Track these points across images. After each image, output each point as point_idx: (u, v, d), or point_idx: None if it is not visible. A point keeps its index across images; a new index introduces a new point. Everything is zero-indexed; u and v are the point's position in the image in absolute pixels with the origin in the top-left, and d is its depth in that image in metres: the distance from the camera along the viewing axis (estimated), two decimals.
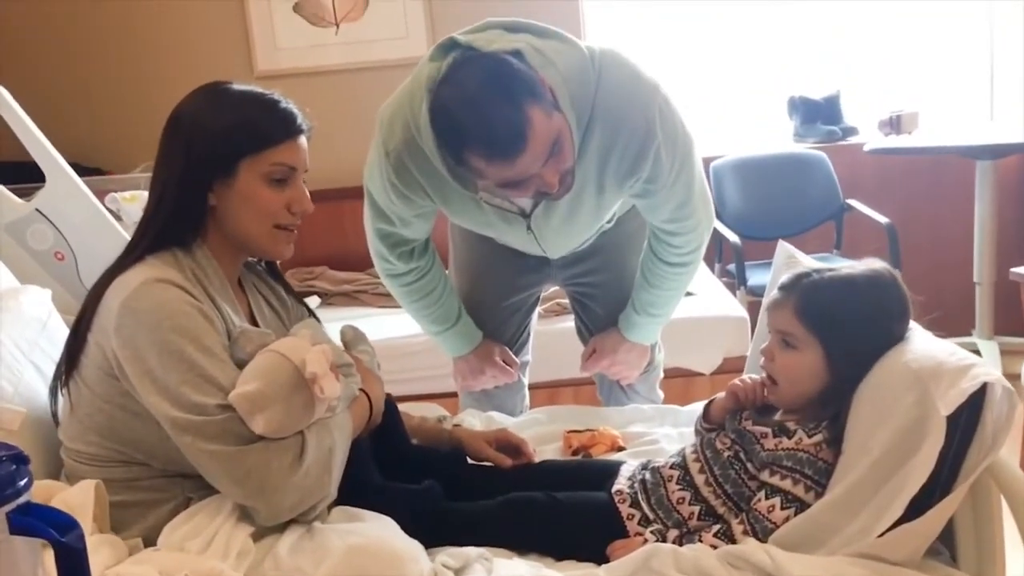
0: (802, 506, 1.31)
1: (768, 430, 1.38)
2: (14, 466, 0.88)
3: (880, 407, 1.29)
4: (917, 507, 1.21)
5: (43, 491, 1.30)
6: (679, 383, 2.85)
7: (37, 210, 2.61)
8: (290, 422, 1.34)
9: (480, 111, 1.42)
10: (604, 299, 2.03)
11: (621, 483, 1.47)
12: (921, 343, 1.36)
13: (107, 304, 1.39)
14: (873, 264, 1.44)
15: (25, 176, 2.77)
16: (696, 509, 1.39)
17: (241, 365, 1.38)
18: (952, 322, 3.30)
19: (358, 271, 3.74)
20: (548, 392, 2.84)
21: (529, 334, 2.14)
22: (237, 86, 1.51)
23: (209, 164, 1.44)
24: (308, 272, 3.77)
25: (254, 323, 1.54)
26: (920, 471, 1.20)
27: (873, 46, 3.96)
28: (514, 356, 2.07)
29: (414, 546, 1.31)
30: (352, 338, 1.64)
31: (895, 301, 1.40)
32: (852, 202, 3.68)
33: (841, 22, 3.94)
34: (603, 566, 1.31)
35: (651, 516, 1.40)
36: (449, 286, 1.97)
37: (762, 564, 1.22)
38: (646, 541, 1.35)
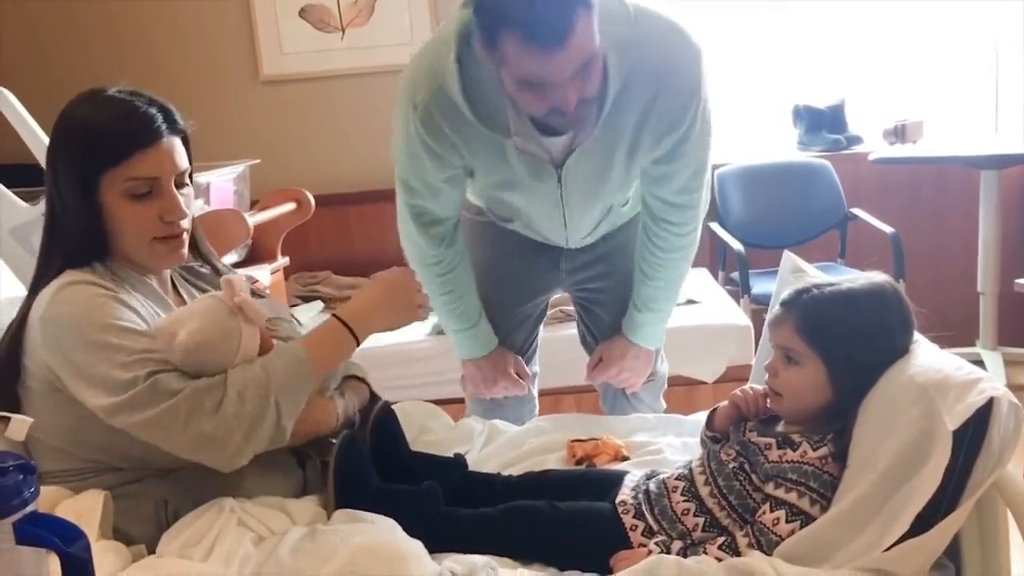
0: (807, 519, 1.31)
1: (772, 441, 1.37)
2: (21, 476, 0.89)
3: (886, 421, 1.29)
4: (923, 522, 1.21)
5: (49, 497, 1.30)
6: (682, 391, 2.85)
7: (42, 215, 2.61)
8: (213, 334, 1.33)
9: None
10: (610, 305, 2.03)
11: (625, 493, 1.47)
12: (926, 356, 1.36)
13: (31, 322, 1.39)
14: (875, 277, 1.44)
15: (29, 179, 2.77)
16: (700, 520, 1.39)
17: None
18: (956, 333, 3.30)
19: (362, 276, 3.74)
20: (551, 400, 2.84)
21: (537, 345, 2.14)
22: (106, 92, 1.44)
23: (72, 185, 1.40)
24: (312, 277, 3.77)
25: None
26: (926, 486, 1.20)
27: (878, 55, 3.96)
28: (526, 368, 2.07)
29: (417, 547, 1.30)
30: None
31: (897, 315, 1.40)
32: (856, 211, 3.68)
33: (846, 31, 3.94)
34: None
35: (655, 527, 1.40)
36: (473, 287, 1.95)
37: None
38: (650, 552, 1.35)
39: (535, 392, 2.17)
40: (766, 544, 1.30)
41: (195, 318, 1.34)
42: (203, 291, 1.60)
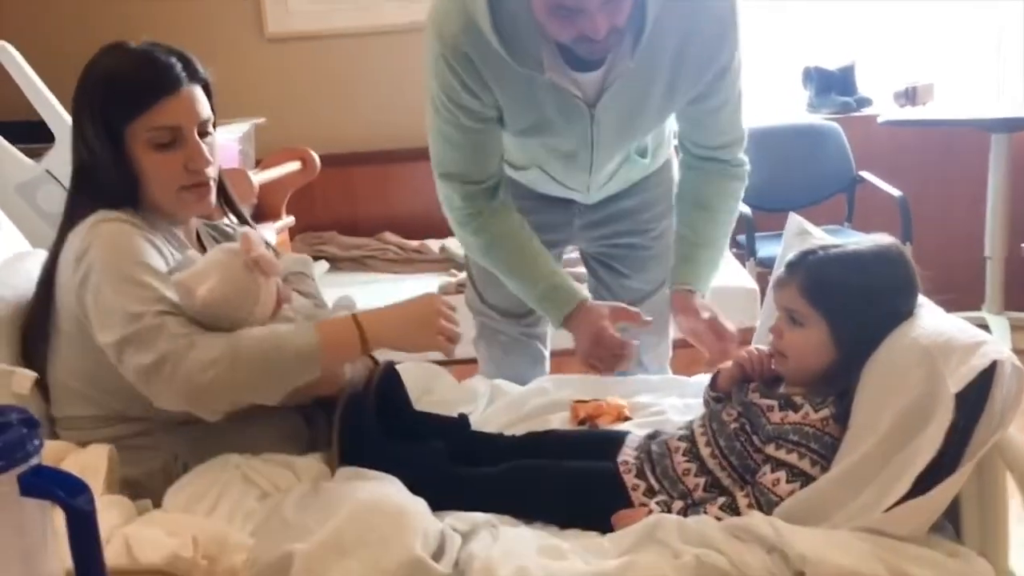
0: (808, 480, 1.31)
1: (774, 403, 1.38)
2: (25, 429, 0.89)
3: (888, 382, 1.29)
4: (923, 483, 1.21)
5: (55, 452, 1.31)
6: (686, 353, 2.83)
7: (47, 171, 2.61)
8: (233, 291, 1.35)
9: None
10: (631, 261, 2.01)
11: (627, 453, 1.47)
12: (930, 319, 1.35)
13: (62, 261, 1.43)
14: (880, 239, 1.43)
15: (33, 136, 2.77)
16: (701, 481, 1.39)
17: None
18: (962, 296, 3.29)
19: (367, 236, 3.74)
20: (555, 361, 2.83)
21: None
22: (127, 44, 1.46)
23: (99, 137, 1.42)
24: (317, 237, 3.77)
25: None
26: (927, 448, 1.20)
27: (889, 17, 3.91)
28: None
29: (419, 504, 1.31)
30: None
31: (901, 277, 1.39)
32: (865, 174, 3.66)
33: None
34: (607, 535, 1.32)
35: (656, 487, 1.41)
36: (526, 255, 1.81)
37: (766, 536, 1.23)
38: (651, 512, 1.36)
39: (547, 353, 2.17)
40: (766, 504, 1.31)
41: (213, 274, 1.35)
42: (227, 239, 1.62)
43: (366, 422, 1.47)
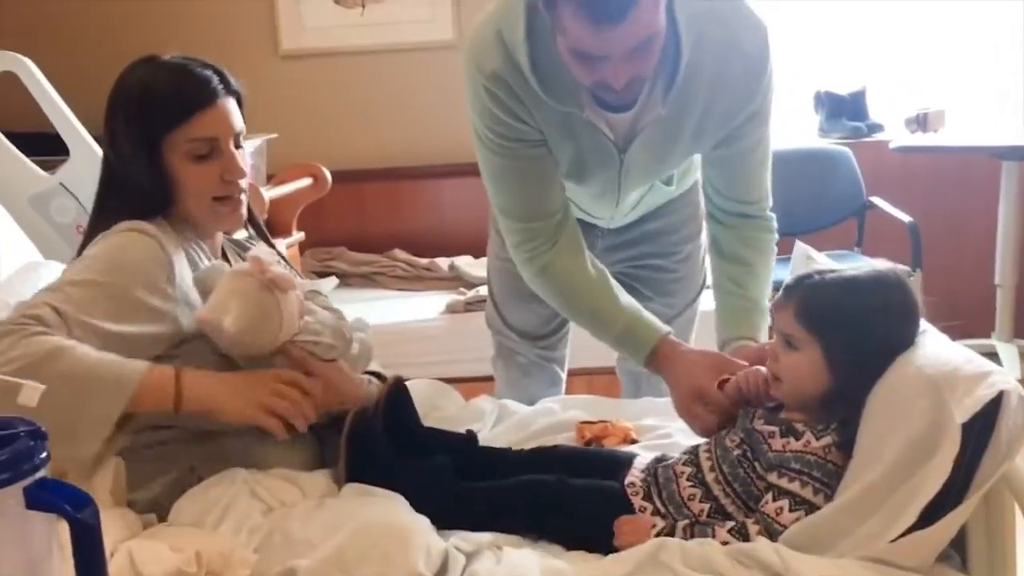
0: (811, 508, 1.31)
1: (775, 429, 1.37)
2: (32, 441, 0.89)
3: (893, 412, 1.29)
4: (929, 514, 1.20)
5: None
6: None
7: (61, 184, 2.63)
8: (257, 316, 1.36)
9: None
10: (653, 284, 2.00)
11: (634, 475, 1.47)
12: (936, 347, 1.35)
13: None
14: (879, 265, 1.43)
15: (49, 148, 2.79)
16: (706, 507, 1.39)
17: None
18: (972, 324, 3.28)
19: (377, 253, 3.75)
20: (567, 380, 2.84)
21: (570, 328, 2.10)
22: (160, 57, 1.48)
23: (135, 149, 1.44)
24: (326, 252, 3.79)
25: None
26: (934, 479, 1.20)
27: (901, 43, 3.92)
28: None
29: (423, 522, 1.31)
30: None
31: (898, 303, 1.38)
32: (875, 199, 3.65)
33: (869, 17, 3.89)
34: (609, 556, 1.31)
35: (662, 510, 1.41)
36: (602, 287, 1.71)
37: (771, 563, 1.22)
38: (655, 526, 1.35)
39: (563, 375, 2.16)
40: (771, 533, 1.30)
41: (232, 304, 1.35)
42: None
43: (374, 437, 1.47)
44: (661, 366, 1.65)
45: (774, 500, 1.32)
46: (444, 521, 1.36)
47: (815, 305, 1.38)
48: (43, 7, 3.82)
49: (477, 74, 1.60)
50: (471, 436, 1.63)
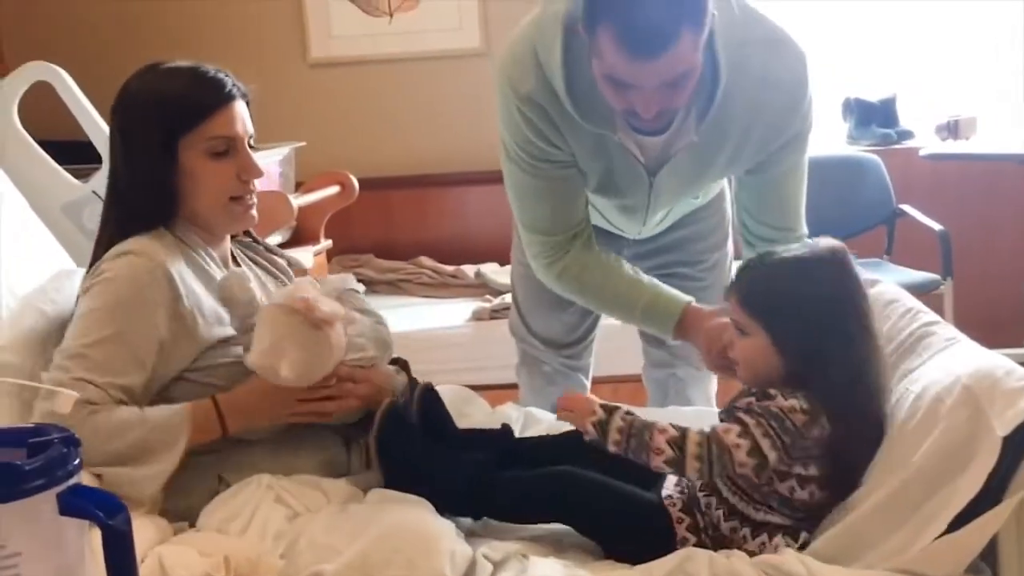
0: (762, 458, 1.30)
1: (751, 398, 1.37)
2: (65, 448, 0.91)
3: (928, 418, 1.27)
4: (960, 524, 1.19)
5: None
6: (725, 385, 2.82)
7: (94, 192, 2.66)
8: (312, 358, 1.37)
9: None
10: (683, 291, 1.99)
11: (669, 488, 1.46)
12: (972, 356, 1.33)
13: (93, 271, 1.48)
14: (821, 243, 1.43)
15: (81, 156, 2.82)
16: (722, 511, 1.38)
17: (240, 330, 1.45)
18: (1003, 332, 3.23)
19: (403, 260, 3.76)
20: (593, 389, 2.83)
21: (595, 336, 2.10)
22: (167, 64, 1.51)
23: (149, 151, 1.46)
24: (353, 260, 3.80)
25: None
26: (966, 490, 1.18)
27: (932, 49, 3.88)
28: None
29: (447, 527, 1.32)
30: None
31: (835, 280, 1.38)
32: (905, 207, 3.62)
33: (900, 23, 3.87)
34: (636, 567, 1.31)
35: (701, 524, 1.39)
36: (621, 273, 1.74)
37: (797, 574, 1.21)
38: (595, 412, 1.36)
39: (588, 384, 2.16)
40: (719, 466, 1.31)
41: (287, 347, 1.37)
42: (259, 265, 1.64)
43: (404, 429, 1.48)
44: (689, 333, 1.66)
45: (735, 435, 1.32)
46: (480, 509, 1.37)
47: (754, 291, 1.40)
48: (74, 17, 3.87)
49: (512, 93, 1.60)
50: (507, 430, 1.62)
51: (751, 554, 1.30)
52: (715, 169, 1.68)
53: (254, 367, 1.38)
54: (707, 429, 1.35)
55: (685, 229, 1.96)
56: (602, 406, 1.38)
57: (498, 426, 1.72)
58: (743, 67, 1.54)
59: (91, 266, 1.51)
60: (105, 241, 1.50)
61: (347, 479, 1.48)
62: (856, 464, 1.35)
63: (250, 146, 1.52)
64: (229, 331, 1.48)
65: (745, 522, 1.37)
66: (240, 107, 1.50)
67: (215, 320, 1.47)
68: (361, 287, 1.70)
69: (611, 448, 1.35)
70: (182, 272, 1.45)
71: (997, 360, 1.31)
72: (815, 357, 1.34)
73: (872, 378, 1.36)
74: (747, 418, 1.33)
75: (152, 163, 1.46)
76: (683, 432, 1.34)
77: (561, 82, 1.53)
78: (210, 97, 1.46)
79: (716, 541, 1.37)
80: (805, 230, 1.79)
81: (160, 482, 1.37)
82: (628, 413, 1.37)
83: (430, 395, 1.58)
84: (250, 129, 1.51)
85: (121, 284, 1.42)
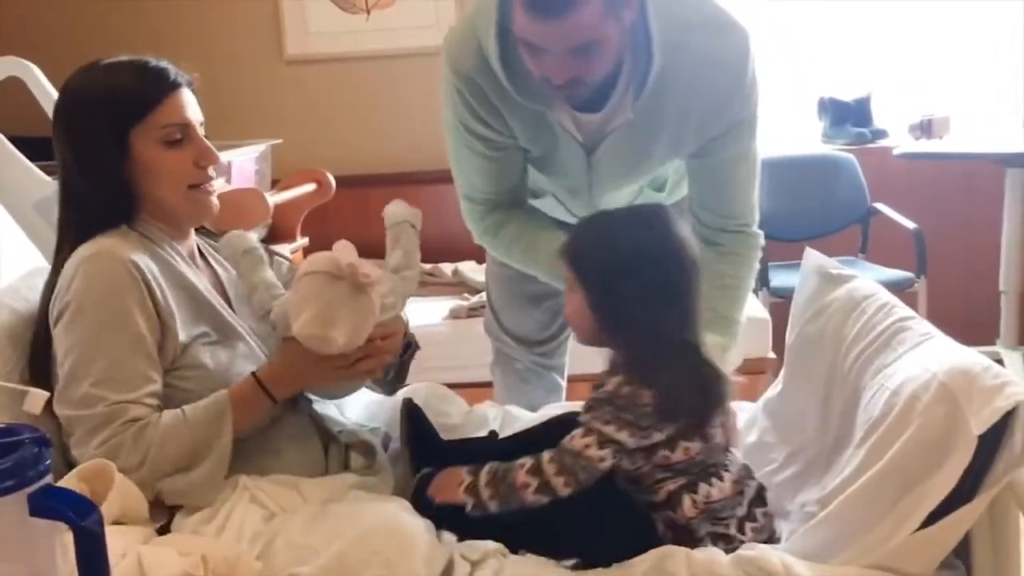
0: (617, 444, 1.32)
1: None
2: (36, 449, 0.89)
3: (904, 415, 1.26)
4: (934, 519, 1.20)
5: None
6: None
7: None
8: (361, 320, 1.35)
9: None
10: None
11: None
12: (947, 352, 1.33)
13: (58, 290, 1.43)
14: (642, 206, 1.49)
15: (54, 153, 2.79)
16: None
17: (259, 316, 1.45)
18: (977, 330, 3.27)
19: (381, 258, 3.74)
20: (570, 387, 2.83)
21: (569, 334, 2.09)
22: (107, 60, 1.49)
23: (99, 148, 1.43)
24: None
25: (222, 290, 1.56)
26: (941, 487, 1.19)
27: (906, 49, 3.91)
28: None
29: (425, 526, 1.31)
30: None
31: (646, 241, 1.38)
32: (879, 206, 3.65)
33: (874, 23, 3.90)
34: (614, 566, 1.30)
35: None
36: (543, 227, 1.82)
37: (776, 572, 1.22)
38: (462, 482, 1.36)
39: (563, 383, 2.16)
40: (583, 472, 1.31)
41: (339, 317, 1.34)
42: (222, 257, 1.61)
43: (425, 422, 1.55)
44: None
45: (580, 435, 1.33)
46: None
47: (574, 247, 1.43)
48: (47, 12, 3.82)
49: (451, 73, 1.64)
50: (494, 436, 1.64)
51: (678, 526, 1.32)
52: (657, 152, 1.68)
53: (302, 338, 1.34)
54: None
55: None
56: (468, 471, 1.37)
57: (473, 432, 1.73)
58: (683, 48, 1.54)
59: (53, 272, 1.47)
60: (66, 249, 1.46)
61: (325, 479, 1.47)
62: (701, 414, 1.36)
63: (203, 134, 1.50)
64: (201, 328, 1.46)
65: (655, 508, 1.37)
66: (187, 94, 1.48)
67: (189, 318, 1.45)
68: None
69: (491, 507, 1.34)
70: (145, 261, 1.43)
71: (973, 357, 1.30)
72: (621, 314, 1.37)
73: (684, 334, 1.38)
74: (586, 416, 1.34)
75: (104, 160, 1.44)
76: (537, 458, 1.34)
77: (496, 56, 1.55)
78: (156, 86, 1.44)
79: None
80: (754, 223, 1.79)
81: (216, 482, 1.37)
82: (492, 466, 1.36)
83: (416, 412, 1.59)
84: (200, 116, 1.50)
85: (90, 297, 1.38)
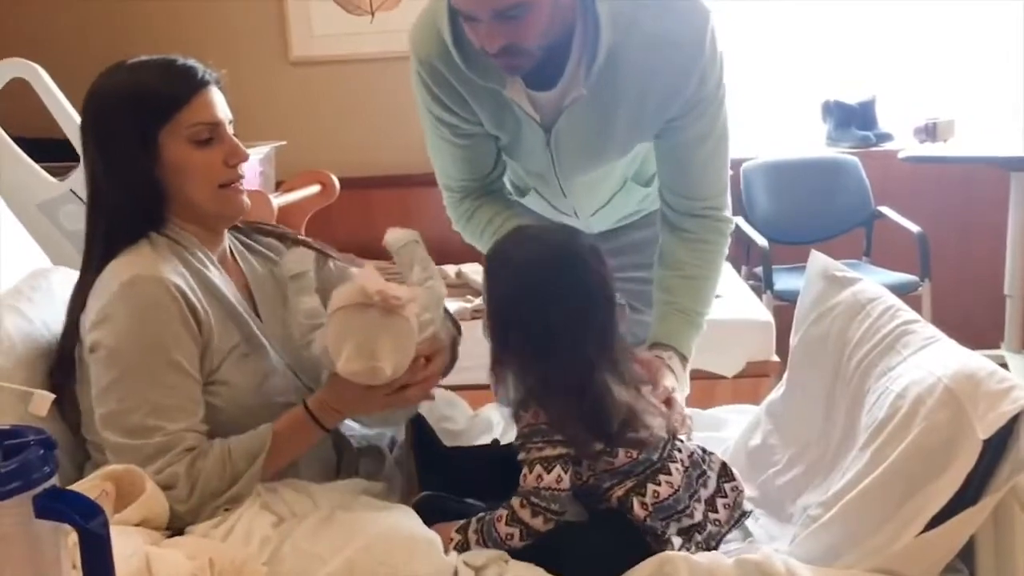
0: (553, 459, 1.31)
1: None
2: (42, 451, 0.89)
3: (908, 418, 1.26)
4: (937, 523, 1.20)
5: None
6: (701, 385, 2.82)
7: (71, 190, 2.64)
8: (403, 343, 1.33)
9: None
10: (645, 295, 1.93)
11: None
12: (952, 356, 1.33)
13: (90, 305, 1.41)
14: (564, 234, 1.45)
15: (58, 154, 2.80)
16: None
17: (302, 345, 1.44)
18: (981, 334, 3.27)
19: (385, 259, 3.75)
20: None
21: None
22: (133, 60, 1.47)
23: (128, 149, 1.42)
24: None
25: (248, 294, 1.54)
26: (945, 490, 1.19)
27: (911, 52, 3.92)
28: None
29: (432, 536, 1.31)
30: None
31: (544, 283, 1.36)
32: (883, 209, 3.65)
33: (879, 26, 3.90)
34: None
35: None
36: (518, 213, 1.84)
37: (777, 574, 1.22)
38: (452, 539, 1.34)
39: None
40: (551, 502, 1.31)
41: (375, 342, 1.31)
42: (253, 252, 1.61)
43: (430, 434, 1.54)
44: None
45: (529, 473, 1.32)
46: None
47: (487, 260, 1.45)
48: (52, 14, 3.83)
49: (415, 60, 1.66)
50: (496, 445, 1.64)
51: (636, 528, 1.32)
52: (617, 133, 1.65)
53: (348, 375, 1.32)
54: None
55: (643, 231, 1.94)
56: (457, 529, 1.36)
57: (478, 436, 1.74)
58: (636, 23, 1.53)
59: (81, 286, 1.46)
60: (96, 261, 1.44)
61: (336, 484, 1.46)
62: (599, 420, 1.34)
63: (232, 132, 1.49)
64: (234, 341, 1.45)
65: (611, 515, 1.36)
66: (215, 93, 1.46)
67: (223, 330, 1.44)
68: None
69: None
70: (187, 279, 1.41)
71: (979, 361, 1.30)
72: (513, 351, 1.37)
73: (577, 364, 1.35)
74: (523, 453, 1.34)
75: (134, 162, 1.42)
76: (508, 506, 1.33)
77: (448, 35, 1.55)
78: (184, 85, 1.43)
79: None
80: (724, 206, 1.74)
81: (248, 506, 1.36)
82: (477, 523, 1.35)
83: (418, 420, 1.59)
84: (228, 114, 1.48)
85: (130, 325, 1.36)
